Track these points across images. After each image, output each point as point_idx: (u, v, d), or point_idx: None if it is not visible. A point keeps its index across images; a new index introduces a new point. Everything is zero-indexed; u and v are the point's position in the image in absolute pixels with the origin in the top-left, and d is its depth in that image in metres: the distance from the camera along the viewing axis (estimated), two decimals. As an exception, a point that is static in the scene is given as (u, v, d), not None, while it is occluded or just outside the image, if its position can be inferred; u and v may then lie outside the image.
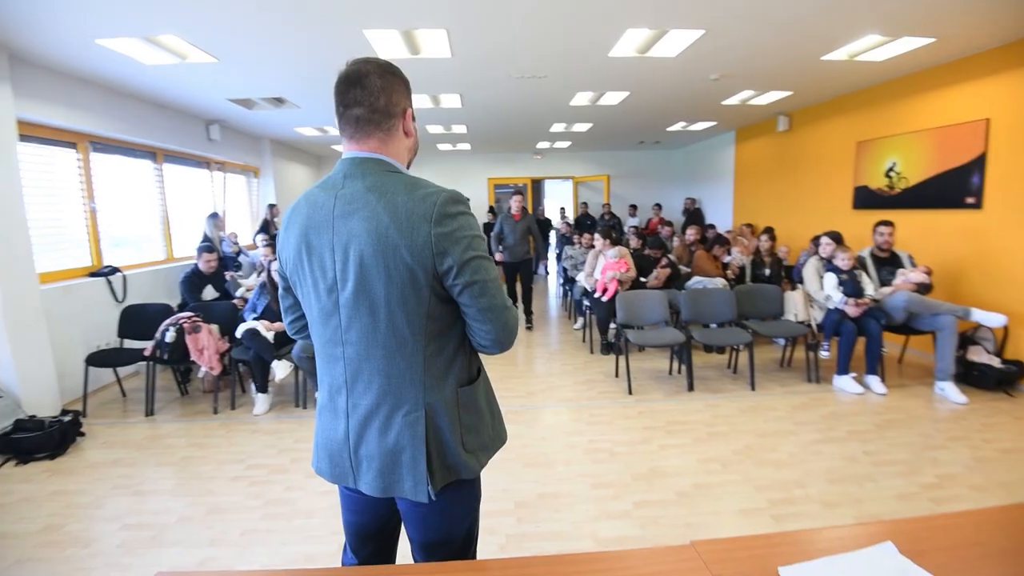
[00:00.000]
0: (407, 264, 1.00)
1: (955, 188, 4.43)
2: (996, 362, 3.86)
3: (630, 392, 4.03)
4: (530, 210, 7.44)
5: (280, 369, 3.80)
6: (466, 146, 9.46)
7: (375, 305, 1.03)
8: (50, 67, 3.98)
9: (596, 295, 5.01)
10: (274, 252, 3.89)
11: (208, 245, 4.81)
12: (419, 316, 1.04)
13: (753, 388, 4.07)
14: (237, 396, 4.07)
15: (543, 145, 9.79)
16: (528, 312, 6.31)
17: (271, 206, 7.42)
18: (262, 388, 3.89)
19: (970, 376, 3.89)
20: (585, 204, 10.53)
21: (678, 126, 7.82)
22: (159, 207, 5.70)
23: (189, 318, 3.90)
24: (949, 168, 4.48)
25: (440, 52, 4.06)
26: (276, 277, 1.72)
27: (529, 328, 6.21)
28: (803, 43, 4.03)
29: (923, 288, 4.01)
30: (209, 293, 4.57)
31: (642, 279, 5.32)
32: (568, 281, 6.85)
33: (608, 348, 5.09)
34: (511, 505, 2.55)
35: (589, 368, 4.72)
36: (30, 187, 3.88)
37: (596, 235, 5.40)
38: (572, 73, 4.83)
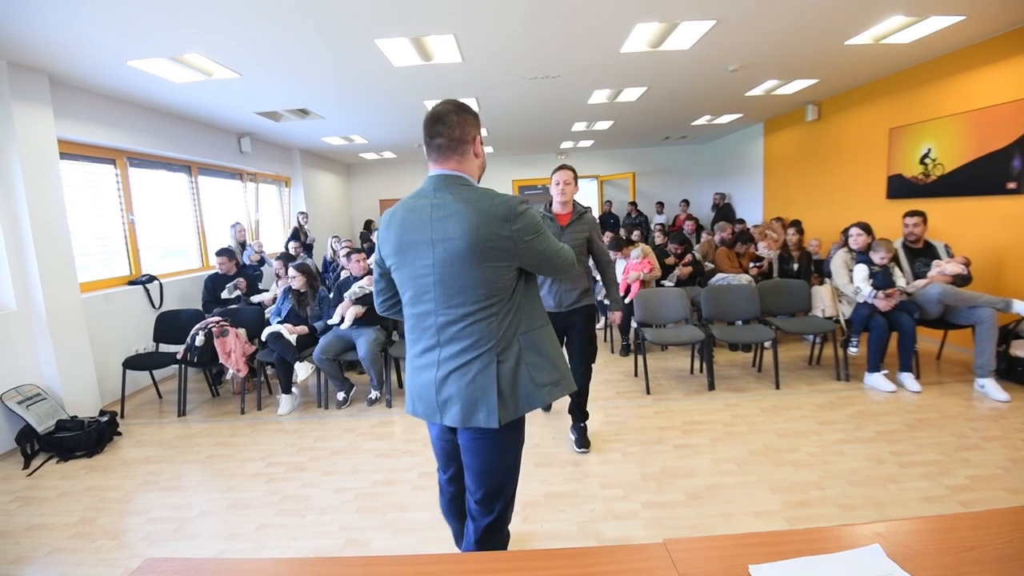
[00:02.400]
0: (491, 249, 1.37)
1: (995, 173, 4.18)
2: (1043, 357, 3.61)
3: (648, 392, 3.97)
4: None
5: (302, 370, 3.93)
6: (489, 148, 9.52)
7: (464, 284, 1.39)
8: (87, 88, 4.24)
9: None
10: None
11: (223, 249, 5.04)
12: (496, 290, 1.41)
13: (778, 387, 3.94)
14: (264, 397, 4.22)
15: (567, 145, 9.75)
16: (580, 413, 3.15)
17: (301, 214, 7.66)
18: (286, 389, 4.02)
19: (1013, 372, 3.66)
20: (609, 202, 10.42)
21: (703, 120, 7.64)
22: (194, 218, 5.98)
23: (217, 322, 4.08)
24: (988, 152, 4.22)
25: (451, 57, 4.11)
26: (372, 267, 2.30)
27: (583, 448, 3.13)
28: (822, 28, 3.89)
29: (961, 280, 3.79)
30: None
31: (664, 283, 5.21)
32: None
33: (627, 349, 5.02)
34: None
35: (608, 368, 4.67)
36: (73, 202, 4.15)
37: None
38: (586, 72, 4.80)
